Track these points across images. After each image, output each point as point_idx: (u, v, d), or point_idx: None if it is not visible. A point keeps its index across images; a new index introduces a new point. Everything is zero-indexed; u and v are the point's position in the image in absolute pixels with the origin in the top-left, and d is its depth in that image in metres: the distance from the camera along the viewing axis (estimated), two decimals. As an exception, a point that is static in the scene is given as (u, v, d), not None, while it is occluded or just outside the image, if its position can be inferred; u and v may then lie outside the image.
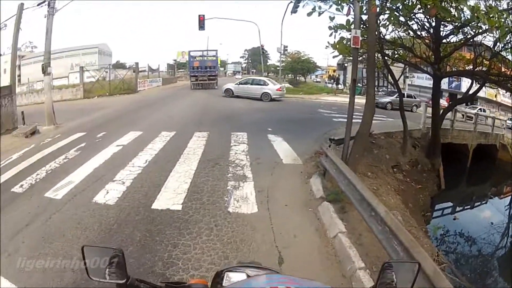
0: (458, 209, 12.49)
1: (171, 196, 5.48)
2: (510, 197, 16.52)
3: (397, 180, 8.86)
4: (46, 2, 14.22)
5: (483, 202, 14.27)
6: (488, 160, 18.34)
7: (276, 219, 4.92)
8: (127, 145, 8.96)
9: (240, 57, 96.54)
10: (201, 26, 25.25)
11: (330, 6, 8.92)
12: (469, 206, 13.11)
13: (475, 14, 5.58)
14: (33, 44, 74.76)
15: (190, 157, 7.67)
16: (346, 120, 7.04)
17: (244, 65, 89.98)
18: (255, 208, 5.25)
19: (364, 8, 7.31)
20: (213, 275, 1.32)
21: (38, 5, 14.37)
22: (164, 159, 7.54)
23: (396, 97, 21.75)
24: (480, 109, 25.99)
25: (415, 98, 25.64)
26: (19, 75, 33.90)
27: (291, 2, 14.10)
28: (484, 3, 9.18)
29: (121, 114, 15.26)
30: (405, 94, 24.61)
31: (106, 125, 12.05)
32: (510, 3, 8.25)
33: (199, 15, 25.23)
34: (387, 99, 23.84)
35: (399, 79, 13.48)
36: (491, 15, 5.68)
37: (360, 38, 6.97)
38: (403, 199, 7.92)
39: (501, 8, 8.38)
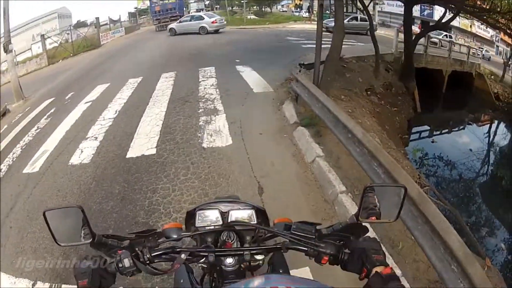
0: (435, 133, 12.68)
1: (144, 142, 5.41)
2: (488, 125, 16.84)
3: (371, 103, 8.85)
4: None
5: (461, 127, 14.62)
6: (464, 88, 18.44)
7: (251, 149, 4.93)
8: (95, 100, 8.69)
9: None
10: None
11: None
12: (446, 131, 13.36)
13: None
14: None
15: (159, 99, 7.57)
16: (315, 46, 6.82)
17: (207, 2, 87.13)
18: (229, 140, 5.22)
19: None
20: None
21: None
22: (133, 106, 7.39)
23: (348, 21, 20.86)
24: (446, 35, 25.28)
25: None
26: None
27: None
28: None
29: (87, 71, 14.64)
30: (358, 18, 23.94)
31: (73, 85, 11.65)
32: None
33: None
34: None
35: (368, 5, 13.19)
36: None
37: None
38: (379, 121, 7.95)
39: None
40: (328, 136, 5.05)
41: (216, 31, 22.68)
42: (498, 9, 9.52)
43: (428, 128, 12.83)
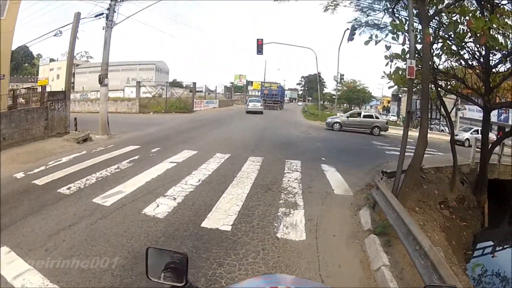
0: (498, 248, 11.95)
1: (221, 217, 5.63)
2: None
3: (443, 217, 8.70)
4: (104, 15, 15.19)
5: None
6: None
7: (322, 248, 5.00)
8: (181, 162, 9.30)
9: (297, 83, 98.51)
10: (259, 50, 25.49)
11: (386, 35, 9.15)
12: (508, 245, 12.41)
13: None
14: (89, 54, 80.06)
15: (243, 180, 7.87)
16: (398, 152, 7.06)
17: (300, 92, 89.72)
18: (303, 235, 5.33)
19: (419, 37, 7.29)
20: None
21: (95, 16, 15.35)
22: (217, 180, 7.75)
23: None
24: None
25: (377, 118, 25.20)
26: (73, 83, 36.03)
27: (348, 29, 14.41)
28: None
29: (176, 132, 15.84)
30: (361, 114, 24.68)
31: (160, 141, 12.56)
32: None
33: (258, 39, 25.56)
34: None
35: (451, 111, 13.17)
36: None
37: (415, 68, 6.93)
38: (447, 236, 7.79)
39: None
40: (397, 247, 5.07)
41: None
42: None
43: (492, 243, 12.08)
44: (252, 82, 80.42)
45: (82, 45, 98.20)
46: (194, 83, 32.82)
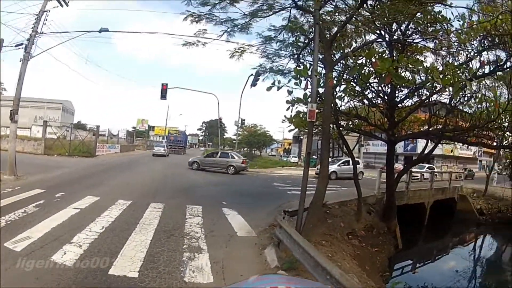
0: (418, 265, 12.84)
1: (127, 264, 5.44)
2: (473, 242, 17.64)
3: (352, 246, 9.12)
4: (24, 46, 14.33)
5: (444, 254, 14.90)
6: (447, 214, 19.25)
7: None
8: (84, 209, 8.97)
9: (198, 129, 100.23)
10: (163, 95, 25.24)
11: (289, 80, 9.43)
12: (430, 260, 13.48)
13: (430, 76, 5.78)
14: (3, 85, 73.46)
15: (146, 227, 7.73)
16: (299, 192, 7.28)
17: (201, 138, 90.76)
18: (210, 278, 5.30)
19: (322, 81, 7.67)
20: None
21: (16, 46, 14.43)
22: (120, 227, 7.53)
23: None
24: (428, 167, 27.28)
25: (233, 157, 25.76)
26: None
27: (252, 75, 14.75)
28: (442, 61, 9.95)
29: (80, 176, 15.42)
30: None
31: (64, 186, 12.09)
32: (469, 55, 8.98)
33: (163, 84, 25.33)
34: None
35: (353, 148, 13.98)
36: (446, 73, 5.95)
37: (316, 111, 7.18)
38: (359, 262, 8.16)
39: (457, 64, 8.91)
40: (309, 279, 5.01)
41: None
42: (478, 124, 9.83)
43: (411, 262, 13.00)
44: (154, 127, 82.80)
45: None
46: (98, 126, 31.46)
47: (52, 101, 63.16)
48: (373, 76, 7.35)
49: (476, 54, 8.80)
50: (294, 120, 8.14)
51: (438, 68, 6.62)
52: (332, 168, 23.07)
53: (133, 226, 7.63)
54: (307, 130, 8.02)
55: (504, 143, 12.04)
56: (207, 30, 10.15)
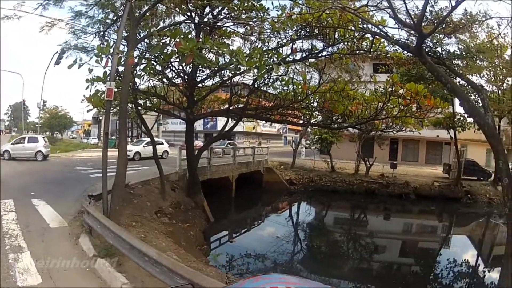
0: (235, 235, 13.42)
1: None
2: (288, 209, 19.76)
3: (163, 224, 9.24)
4: None
5: (260, 222, 16.21)
6: (254, 186, 21.09)
7: (62, 285, 4.88)
8: None
9: (4, 113, 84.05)
10: None
11: (91, 57, 9.11)
12: (246, 229, 14.47)
13: (235, 58, 5.99)
14: None
15: None
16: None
17: (7, 123, 79.77)
18: (39, 278, 5.11)
19: (122, 59, 7.34)
20: None
21: None
22: None
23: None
24: (230, 143, 28.65)
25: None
26: None
27: (57, 52, 13.00)
28: (250, 46, 10.59)
29: None
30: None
31: None
32: (281, 42, 9.91)
33: None
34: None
35: (152, 127, 13.97)
36: (252, 56, 6.36)
37: (115, 90, 7.03)
38: (174, 239, 8.33)
39: (267, 49, 9.73)
40: (129, 263, 5.22)
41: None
42: (283, 104, 10.98)
43: (226, 233, 13.46)
44: None
45: None
46: None
47: None
48: (175, 56, 7.33)
49: (289, 42, 9.86)
50: (92, 99, 7.93)
51: (245, 52, 7.06)
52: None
53: None
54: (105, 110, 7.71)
55: (312, 121, 13.46)
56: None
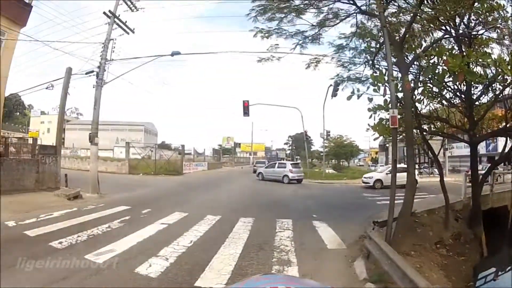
0: (500, 273, 11.68)
1: (214, 276, 5.49)
2: None
3: (440, 256, 8.68)
4: (95, 73, 15.40)
5: None
6: None
7: None
8: (172, 224, 9.30)
9: (284, 143, 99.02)
10: (246, 112, 25.36)
11: (368, 87, 9.34)
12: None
13: (499, 68, 5.53)
14: (79, 110, 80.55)
15: (235, 241, 7.79)
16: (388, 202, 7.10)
17: (288, 152, 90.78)
18: None
19: (399, 85, 7.43)
20: None
21: (86, 73, 15.56)
22: (209, 241, 7.66)
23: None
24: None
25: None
26: (63, 139, 36.29)
27: (331, 85, 14.79)
28: (507, 51, 9.22)
29: (167, 194, 16.01)
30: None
31: (151, 203, 12.60)
32: None
33: (244, 101, 25.35)
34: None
35: (439, 153, 13.28)
36: None
37: (398, 117, 7.02)
38: (446, 273, 7.73)
39: None
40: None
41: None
42: None
43: (494, 269, 11.77)
44: (240, 144, 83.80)
45: (72, 101, 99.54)
46: (183, 146, 33.34)
47: (133, 123, 67.88)
48: (447, 75, 6.99)
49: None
50: (377, 128, 8.03)
51: (505, 59, 6.16)
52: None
53: (222, 240, 7.73)
54: (391, 138, 7.87)
55: None
56: (279, 44, 10.45)
